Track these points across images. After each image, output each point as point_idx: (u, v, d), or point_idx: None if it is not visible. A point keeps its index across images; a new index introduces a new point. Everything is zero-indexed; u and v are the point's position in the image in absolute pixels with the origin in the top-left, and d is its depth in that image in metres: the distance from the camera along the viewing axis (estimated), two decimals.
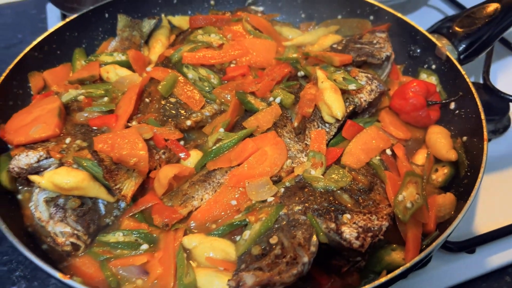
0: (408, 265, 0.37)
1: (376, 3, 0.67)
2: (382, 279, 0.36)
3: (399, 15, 0.64)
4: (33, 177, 0.44)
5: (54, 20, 0.93)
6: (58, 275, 0.36)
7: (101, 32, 0.68)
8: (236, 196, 0.47)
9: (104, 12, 0.67)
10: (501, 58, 0.80)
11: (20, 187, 0.50)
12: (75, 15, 0.64)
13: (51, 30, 0.62)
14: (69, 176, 0.44)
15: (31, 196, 0.46)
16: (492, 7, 0.61)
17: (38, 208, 0.44)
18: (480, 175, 0.45)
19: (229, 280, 0.39)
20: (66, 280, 0.36)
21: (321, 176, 0.46)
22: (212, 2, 0.74)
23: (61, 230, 0.43)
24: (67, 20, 0.64)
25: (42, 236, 0.45)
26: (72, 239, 0.43)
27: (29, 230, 0.46)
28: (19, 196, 0.49)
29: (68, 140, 0.50)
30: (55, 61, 0.63)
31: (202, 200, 0.47)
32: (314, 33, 0.69)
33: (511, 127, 0.68)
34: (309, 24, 0.73)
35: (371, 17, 0.68)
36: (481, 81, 0.69)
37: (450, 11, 0.90)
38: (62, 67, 0.62)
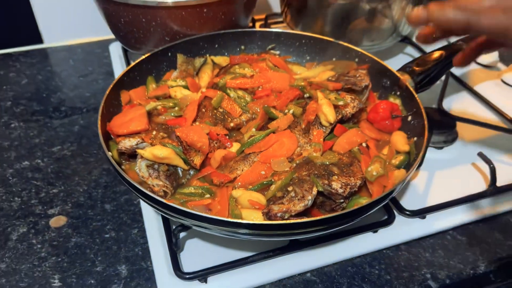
0: (372, 199, 0.61)
1: (360, 49, 0.94)
2: (355, 207, 0.60)
3: (376, 58, 0.91)
4: (139, 151, 0.69)
5: (116, 57, 1.21)
6: (164, 200, 0.61)
7: (165, 66, 0.95)
8: (265, 168, 0.72)
9: (168, 52, 0.94)
10: (453, 90, 1.07)
11: (123, 161, 0.75)
12: (149, 53, 0.91)
13: (135, 62, 0.88)
14: (162, 150, 0.69)
15: (136, 163, 0.70)
16: (438, 53, 0.88)
17: (141, 170, 0.69)
18: (419, 159, 0.69)
19: (263, 210, 0.64)
20: (169, 202, 0.60)
21: (320, 156, 0.72)
22: (242, 47, 1.02)
23: (157, 183, 0.67)
24: (144, 57, 0.90)
25: None
26: (164, 189, 0.67)
27: None
28: (122, 167, 0.74)
29: (154, 132, 0.75)
30: (135, 83, 0.89)
31: (242, 171, 0.72)
32: (316, 70, 0.96)
33: (458, 138, 0.94)
34: (312, 64, 1.00)
35: (356, 60, 0.95)
36: (436, 106, 0.97)
37: None
38: (141, 88, 0.89)
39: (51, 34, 1.29)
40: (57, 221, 0.81)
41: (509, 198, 0.82)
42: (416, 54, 1.19)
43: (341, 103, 0.78)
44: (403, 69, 0.89)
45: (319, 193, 0.66)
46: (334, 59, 0.98)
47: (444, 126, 0.92)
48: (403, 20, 1.09)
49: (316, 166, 0.69)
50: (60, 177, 0.89)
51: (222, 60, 0.99)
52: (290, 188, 0.64)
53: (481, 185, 0.84)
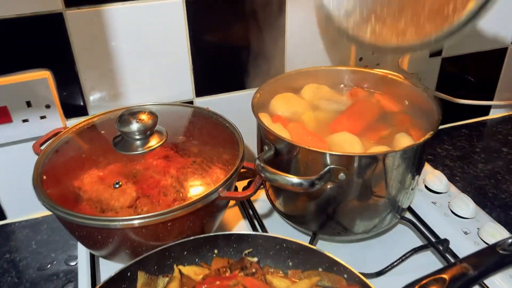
0: None
1: (348, 266, 0.80)
2: None
3: (368, 282, 0.78)
4: None
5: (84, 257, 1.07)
6: None
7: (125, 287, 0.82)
8: None
9: (127, 272, 0.81)
10: None
11: None
12: (103, 282, 0.79)
13: None
14: None
15: None
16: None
17: None
18: None
19: None
20: None
21: None
22: (216, 251, 0.90)
23: None
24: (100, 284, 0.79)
25: None
26: None
27: None
28: None
29: None
30: None
31: None
32: (301, 283, 0.83)
33: None
34: (296, 271, 0.86)
35: (345, 275, 0.81)
36: None
37: None
38: None
39: (15, 208, 1.19)
40: None
41: None
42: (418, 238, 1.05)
43: None
44: None
45: None
46: (320, 269, 0.84)
47: None
48: (403, 195, 0.97)
49: None
50: None
51: (192, 271, 0.86)
52: None
53: None
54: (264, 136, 0.94)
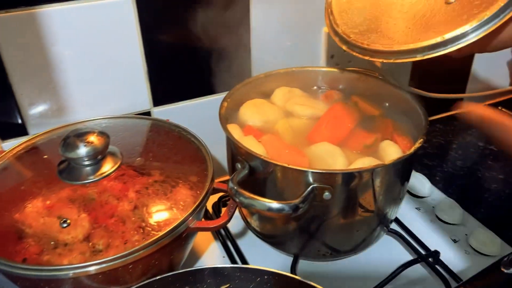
0: None
1: None
2: None
3: None
4: None
5: None
6: None
7: None
8: None
9: None
10: None
11: None
12: None
13: None
14: None
15: None
16: None
17: None
18: None
19: None
20: None
21: None
22: None
23: None
24: None
25: None
26: None
27: None
28: None
29: None
30: None
31: None
32: None
33: None
34: None
35: None
36: None
37: None
38: None
39: None
40: None
41: None
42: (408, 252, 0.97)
43: None
44: None
45: None
46: None
47: None
48: (392, 206, 0.88)
49: None
50: None
51: None
52: None
53: None
54: (236, 151, 0.83)
